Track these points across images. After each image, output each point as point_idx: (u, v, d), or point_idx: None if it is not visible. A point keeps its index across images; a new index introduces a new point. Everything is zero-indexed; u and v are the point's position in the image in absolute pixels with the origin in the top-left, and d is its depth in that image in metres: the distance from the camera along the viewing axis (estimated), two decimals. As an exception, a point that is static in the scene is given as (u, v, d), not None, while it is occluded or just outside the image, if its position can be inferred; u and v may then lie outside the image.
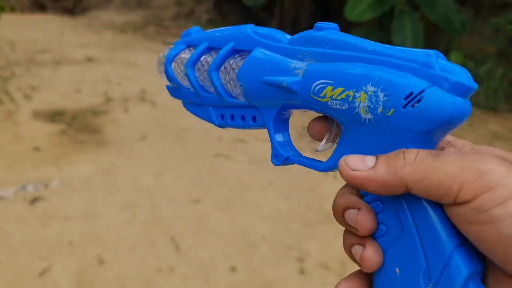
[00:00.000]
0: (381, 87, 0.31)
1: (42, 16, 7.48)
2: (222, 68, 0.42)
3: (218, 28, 0.44)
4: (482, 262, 0.30)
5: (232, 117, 0.43)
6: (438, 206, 0.30)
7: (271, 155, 0.40)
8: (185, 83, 0.45)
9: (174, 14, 7.91)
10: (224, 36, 0.42)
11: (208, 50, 0.44)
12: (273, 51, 0.38)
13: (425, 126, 0.30)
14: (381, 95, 0.31)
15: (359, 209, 0.33)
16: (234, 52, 0.42)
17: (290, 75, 0.36)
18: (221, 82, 0.42)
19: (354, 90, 0.32)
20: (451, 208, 0.29)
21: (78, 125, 2.98)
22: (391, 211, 0.33)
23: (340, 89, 0.33)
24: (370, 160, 0.32)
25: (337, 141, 0.38)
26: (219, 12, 7.31)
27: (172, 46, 0.48)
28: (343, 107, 0.33)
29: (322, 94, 0.34)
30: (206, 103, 0.44)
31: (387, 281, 0.33)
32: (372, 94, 0.31)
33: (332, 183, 2.37)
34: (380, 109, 0.31)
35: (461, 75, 0.31)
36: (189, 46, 0.46)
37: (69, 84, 3.84)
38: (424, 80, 0.30)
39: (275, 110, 0.39)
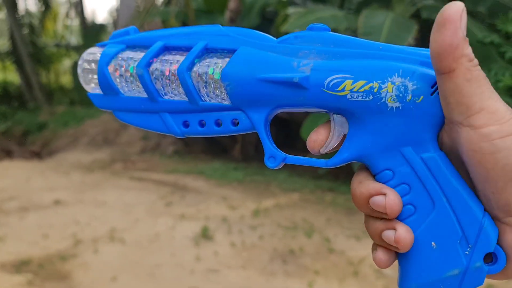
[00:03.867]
0: (408, 77, 0.34)
1: (9, 162, 7.58)
2: (194, 69, 0.39)
3: (171, 28, 0.42)
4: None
5: (203, 123, 0.40)
6: (460, 177, 0.35)
7: (265, 157, 0.39)
8: (127, 88, 0.42)
9: (140, 148, 8.21)
10: (190, 35, 0.40)
11: (164, 50, 0.41)
12: (263, 49, 0.38)
13: None
14: (410, 85, 0.34)
15: (384, 194, 0.35)
16: (206, 51, 0.40)
17: (296, 72, 0.36)
18: (193, 84, 0.39)
19: (379, 81, 0.34)
20: (462, 130, 0.33)
21: (46, 273, 2.90)
22: (419, 189, 0.35)
23: (362, 82, 0.35)
24: (462, 23, 0.32)
25: (340, 138, 0.39)
26: (184, 143, 7.66)
27: (97, 49, 0.42)
28: (367, 99, 0.35)
29: (339, 88, 0.35)
30: (162, 109, 0.40)
31: (424, 257, 0.35)
32: (400, 84, 0.34)
33: (308, 305, 2.36)
34: (409, 97, 0.34)
35: None
36: (130, 46, 0.42)
37: (36, 230, 3.81)
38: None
39: (266, 111, 0.38)
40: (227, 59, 0.38)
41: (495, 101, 0.33)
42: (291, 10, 4.44)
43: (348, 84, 0.35)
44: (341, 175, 4.87)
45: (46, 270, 2.96)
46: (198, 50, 0.39)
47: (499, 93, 0.33)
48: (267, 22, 5.66)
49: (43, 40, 10.97)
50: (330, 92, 0.35)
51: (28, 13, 10.15)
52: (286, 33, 0.39)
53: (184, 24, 6.36)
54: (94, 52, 0.42)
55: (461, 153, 0.34)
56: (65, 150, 8.79)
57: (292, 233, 3.43)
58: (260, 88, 0.37)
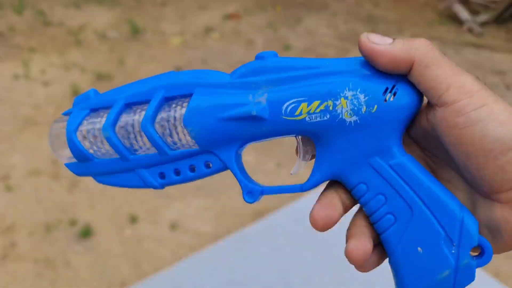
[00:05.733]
0: (359, 89, 0.34)
1: None
2: (157, 120, 0.38)
3: (129, 83, 0.40)
4: None
5: (177, 172, 0.39)
6: (431, 176, 0.35)
7: (243, 193, 0.39)
8: (99, 152, 0.40)
9: None
10: (147, 88, 0.39)
11: (126, 107, 0.39)
12: (219, 88, 0.37)
13: (406, 113, 0.35)
14: (361, 96, 0.34)
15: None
16: (166, 101, 0.38)
17: (252, 105, 0.35)
18: (159, 136, 0.38)
19: (332, 99, 0.34)
20: (437, 111, 0.33)
21: None
22: (395, 197, 0.35)
23: (316, 103, 0.34)
24: (388, 39, 0.34)
25: (309, 159, 0.39)
26: None
27: (63, 117, 0.41)
28: (325, 118, 0.35)
29: (297, 113, 0.35)
30: (136, 166, 0.39)
31: (414, 264, 0.35)
32: (353, 97, 0.34)
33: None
34: (364, 109, 0.34)
35: None
36: (93, 110, 0.40)
37: None
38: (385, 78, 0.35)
39: (234, 148, 0.38)
40: (186, 104, 0.38)
41: (460, 76, 0.33)
42: None
43: (304, 107, 0.35)
44: None
45: None
46: (156, 102, 0.38)
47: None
48: None
49: None
50: (289, 118, 0.35)
51: None
52: None
53: None
54: (62, 122, 0.41)
55: (440, 136, 0.34)
56: None
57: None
58: (223, 128, 0.36)
